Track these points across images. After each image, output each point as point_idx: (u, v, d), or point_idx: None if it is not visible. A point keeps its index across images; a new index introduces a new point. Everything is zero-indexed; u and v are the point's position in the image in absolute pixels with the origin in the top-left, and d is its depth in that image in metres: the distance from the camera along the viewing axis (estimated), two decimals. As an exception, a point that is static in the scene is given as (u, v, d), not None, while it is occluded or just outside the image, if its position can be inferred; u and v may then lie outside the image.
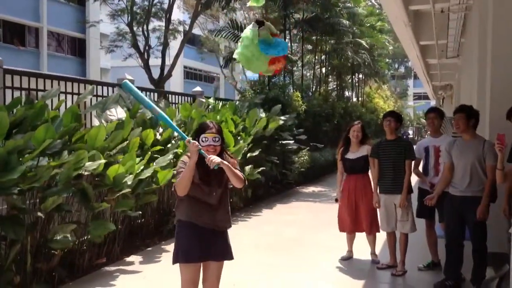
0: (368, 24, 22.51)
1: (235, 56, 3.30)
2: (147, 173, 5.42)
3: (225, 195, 3.29)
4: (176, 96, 10.26)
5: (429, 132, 8.30)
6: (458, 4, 7.89)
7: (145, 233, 6.68)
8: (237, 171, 3.14)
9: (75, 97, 6.86)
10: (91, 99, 7.06)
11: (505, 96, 4.84)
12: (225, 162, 3.08)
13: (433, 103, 39.86)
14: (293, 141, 10.84)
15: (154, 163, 5.77)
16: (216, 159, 2.99)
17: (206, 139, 3.12)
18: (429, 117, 5.27)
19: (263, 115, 10.11)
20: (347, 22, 18.24)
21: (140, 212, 5.98)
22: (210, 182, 3.18)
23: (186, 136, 3.12)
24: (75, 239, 4.95)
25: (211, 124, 3.22)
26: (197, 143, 3.03)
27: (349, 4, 19.25)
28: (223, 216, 3.26)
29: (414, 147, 5.31)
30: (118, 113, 6.41)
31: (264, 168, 9.15)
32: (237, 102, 11.55)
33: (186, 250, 3.18)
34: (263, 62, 3.18)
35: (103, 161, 4.82)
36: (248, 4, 3.30)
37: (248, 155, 8.59)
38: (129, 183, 5.22)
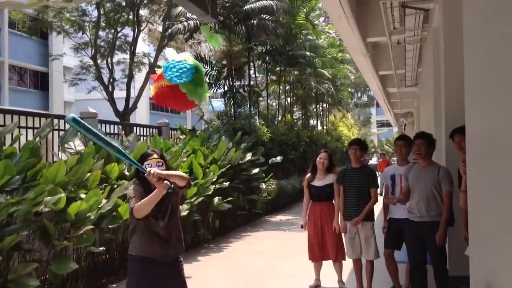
0: (330, 56, 23.14)
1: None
2: (108, 206, 5.33)
3: (174, 224, 3.28)
4: (142, 128, 10.21)
5: (395, 159, 8.48)
6: (413, 36, 8.24)
7: (110, 268, 6.50)
8: (177, 172, 3.22)
9: (36, 131, 6.74)
10: (52, 133, 6.95)
11: (459, 123, 5.04)
12: (163, 172, 3.04)
13: (395, 130, 40.96)
14: (258, 169, 10.92)
15: (112, 194, 5.67)
16: (157, 172, 2.97)
17: (150, 165, 3.17)
18: (397, 145, 5.14)
19: (230, 144, 10.21)
20: (309, 53, 18.71)
21: (104, 248, 5.84)
22: (155, 215, 3.17)
23: (145, 170, 3.06)
24: (36, 278, 4.77)
25: (152, 151, 3.33)
26: (158, 172, 2.98)
27: (310, 37, 19.80)
28: (174, 245, 3.24)
29: (379, 174, 5.36)
30: (76, 145, 6.34)
31: (232, 198, 9.15)
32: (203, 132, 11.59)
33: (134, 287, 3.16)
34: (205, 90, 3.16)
35: (62, 195, 4.72)
36: (207, 43, 3.29)
37: (217, 186, 8.57)
38: (92, 217, 5.11)
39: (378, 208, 5.48)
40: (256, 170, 10.81)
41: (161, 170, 3.11)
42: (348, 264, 5.68)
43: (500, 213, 2.00)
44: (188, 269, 3.42)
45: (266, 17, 14.76)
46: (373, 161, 35.79)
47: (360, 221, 5.07)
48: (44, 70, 26.62)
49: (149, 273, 3.15)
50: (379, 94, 16.75)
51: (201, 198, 7.78)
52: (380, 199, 5.33)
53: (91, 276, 5.97)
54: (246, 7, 14.40)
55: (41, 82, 26.73)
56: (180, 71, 3.27)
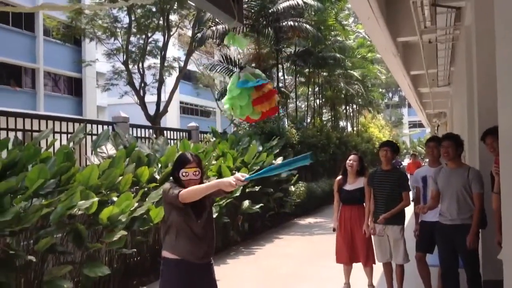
0: (360, 56, 22.88)
1: (225, 106, 3.24)
2: (141, 210, 5.41)
3: (210, 224, 3.21)
4: (172, 132, 10.35)
5: (427, 160, 8.29)
6: (445, 34, 8.05)
7: (141, 270, 6.60)
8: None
9: (70, 136, 6.92)
10: (86, 138, 7.12)
11: (493, 123, 4.90)
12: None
13: (428, 130, 40.16)
14: (286, 172, 10.90)
15: (147, 199, 5.76)
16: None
17: (187, 174, 3.06)
18: (429, 146, 5.09)
19: (260, 148, 10.23)
20: (338, 55, 18.55)
21: (136, 250, 5.93)
22: (197, 212, 3.12)
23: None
24: (70, 280, 4.89)
25: (191, 157, 3.13)
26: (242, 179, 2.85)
27: (339, 38, 19.63)
28: (209, 245, 3.18)
29: (411, 176, 5.28)
30: (108, 149, 6.48)
31: (262, 204, 9.16)
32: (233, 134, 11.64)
33: None
34: (246, 103, 3.11)
35: (95, 199, 4.82)
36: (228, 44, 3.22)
37: (247, 190, 8.59)
38: (123, 220, 5.20)
39: (409, 211, 5.38)
40: (285, 173, 10.77)
41: (197, 181, 3.07)
42: (379, 268, 5.59)
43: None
44: (217, 271, 3.42)
45: (295, 19, 14.72)
46: (405, 163, 35.19)
47: (387, 218, 4.98)
48: (78, 76, 27.33)
49: (184, 277, 3.09)
50: (411, 94, 16.44)
51: (229, 200, 7.81)
52: (412, 203, 5.23)
53: (123, 277, 6.08)
54: (274, 8, 14.40)
55: (75, 87, 27.44)
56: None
